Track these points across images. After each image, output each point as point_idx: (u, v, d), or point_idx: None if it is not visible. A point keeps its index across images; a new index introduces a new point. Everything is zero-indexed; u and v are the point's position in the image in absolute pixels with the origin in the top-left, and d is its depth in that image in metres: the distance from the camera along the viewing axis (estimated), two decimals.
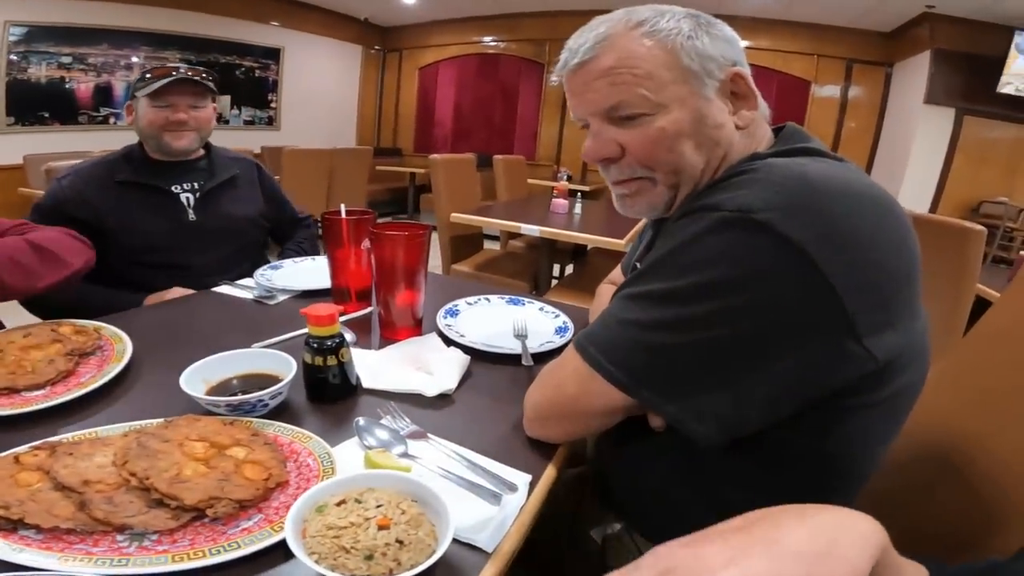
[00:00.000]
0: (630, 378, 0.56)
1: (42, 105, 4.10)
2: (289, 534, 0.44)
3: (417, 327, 0.97)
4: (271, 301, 1.10)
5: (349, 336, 0.87)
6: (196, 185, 1.31)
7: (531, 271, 2.55)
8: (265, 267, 1.26)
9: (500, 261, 2.82)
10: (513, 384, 0.84)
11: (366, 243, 1.02)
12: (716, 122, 0.63)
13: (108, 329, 0.86)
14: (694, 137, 0.62)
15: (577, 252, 2.91)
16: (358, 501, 0.47)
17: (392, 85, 6.91)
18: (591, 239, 2.16)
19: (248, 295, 1.13)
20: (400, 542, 0.44)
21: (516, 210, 2.63)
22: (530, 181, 4.17)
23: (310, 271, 1.27)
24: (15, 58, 3.86)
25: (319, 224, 1.17)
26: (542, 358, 0.87)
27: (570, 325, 1.04)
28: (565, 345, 0.95)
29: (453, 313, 1.05)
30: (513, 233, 2.99)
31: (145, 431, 0.57)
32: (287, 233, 1.58)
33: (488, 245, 3.12)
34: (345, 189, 3.99)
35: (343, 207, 1.04)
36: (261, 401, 0.66)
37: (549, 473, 0.65)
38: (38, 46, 3.96)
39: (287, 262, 1.33)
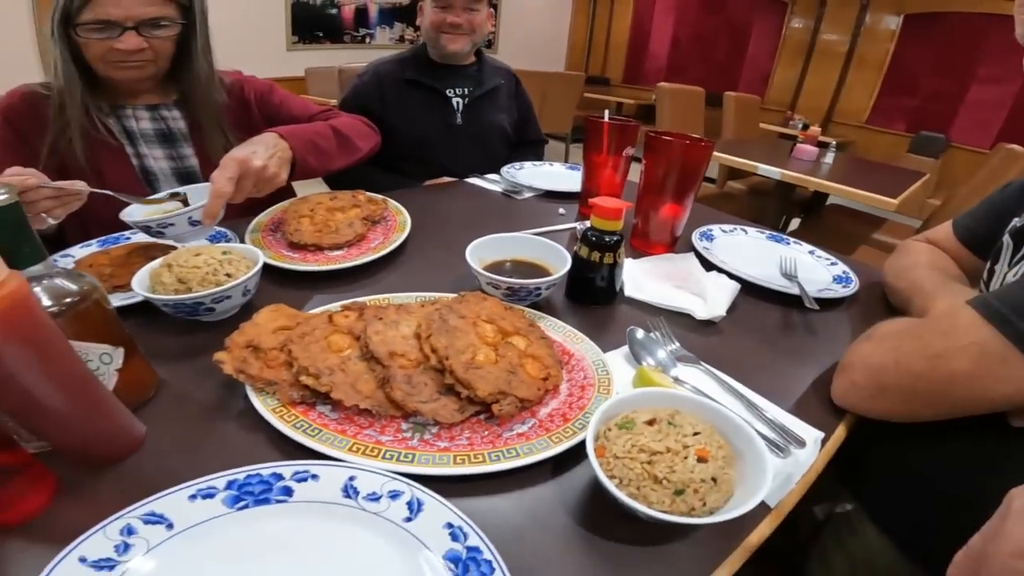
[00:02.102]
0: None
1: (317, 26, 4.78)
2: (590, 449, 0.40)
3: (672, 244, 0.89)
4: (518, 196, 1.13)
5: None
6: (466, 91, 1.37)
7: (750, 217, 2.24)
8: (509, 166, 1.28)
9: (715, 201, 2.53)
10: (786, 326, 0.72)
11: (629, 150, 0.95)
12: None
13: (392, 203, 0.94)
14: None
15: (810, 206, 2.47)
16: (671, 424, 0.41)
17: (604, 12, 6.57)
18: (856, 193, 1.76)
19: (497, 188, 1.17)
20: (714, 480, 0.38)
21: (745, 151, 2.30)
22: (761, 125, 3.64)
23: (548, 175, 1.27)
24: None
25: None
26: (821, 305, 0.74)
27: (853, 277, 0.85)
28: (850, 297, 0.79)
29: (708, 237, 0.93)
30: (734, 174, 2.65)
31: (442, 302, 0.57)
32: (523, 151, 1.58)
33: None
34: (554, 113, 3.97)
35: (607, 112, 0.99)
36: (537, 289, 0.64)
37: (839, 433, 0.55)
38: None
39: (527, 164, 1.34)
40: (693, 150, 0.80)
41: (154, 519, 0.36)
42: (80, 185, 0.71)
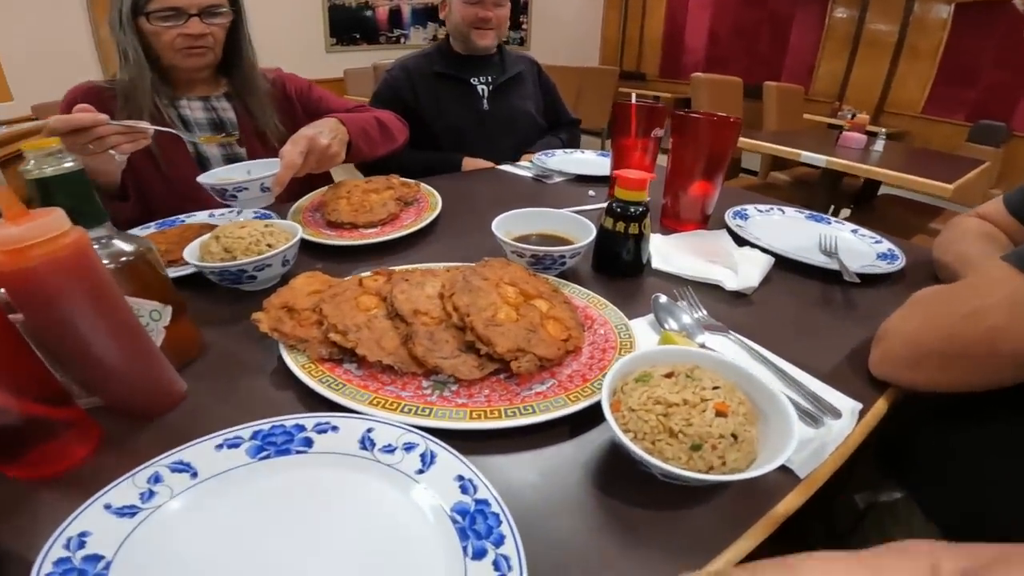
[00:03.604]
0: None
1: (353, 27, 4.91)
2: (605, 401, 0.39)
3: (703, 223, 0.87)
4: (549, 180, 1.14)
5: None
6: (490, 78, 1.42)
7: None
8: (541, 153, 1.29)
9: (757, 192, 2.45)
10: (824, 300, 0.70)
11: (657, 132, 0.95)
12: None
13: (424, 186, 0.97)
14: None
15: (861, 197, 2.36)
16: (689, 377, 0.39)
17: (637, 7, 6.47)
18: (908, 179, 1.67)
19: (527, 174, 1.18)
20: (735, 437, 0.36)
21: (790, 140, 2.22)
22: (806, 116, 3.51)
23: (579, 161, 1.27)
24: None
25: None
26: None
27: (900, 255, 0.81)
28: (895, 274, 0.75)
29: (743, 216, 0.91)
30: (778, 164, 2.56)
31: (466, 267, 0.59)
32: (558, 132, 1.60)
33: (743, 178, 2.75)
34: (589, 108, 3.94)
35: (634, 95, 0.98)
36: (562, 257, 0.65)
37: (879, 406, 0.52)
38: None
39: (558, 152, 1.35)
40: (721, 127, 0.79)
41: (181, 467, 0.38)
42: (144, 124, 0.78)
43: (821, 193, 1.98)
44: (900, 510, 0.61)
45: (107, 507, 0.34)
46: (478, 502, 0.35)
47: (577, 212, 0.72)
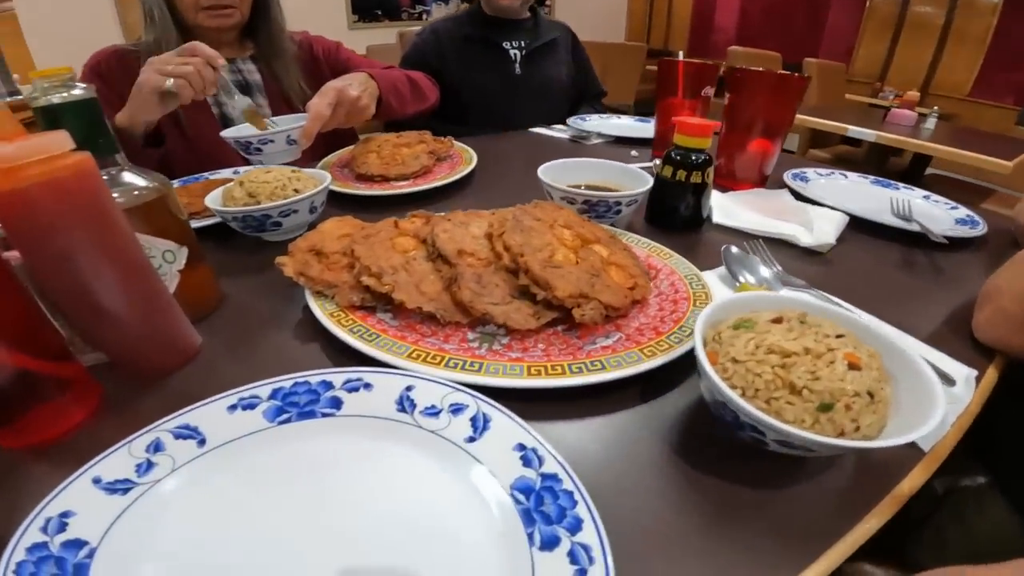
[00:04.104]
0: None
1: (375, 4, 4.85)
2: (699, 346, 0.31)
3: (761, 183, 0.80)
4: (587, 141, 1.08)
5: None
6: (523, 43, 1.35)
7: None
8: (575, 117, 1.23)
9: None
10: (905, 263, 0.63)
11: (707, 90, 0.87)
12: None
13: (457, 143, 0.92)
14: None
15: (907, 177, 2.23)
16: (804, 323, 0.32)
17: None
18: (966, 155, 1.55)
19: (563, 135, 1.12)
20: (871, 396, 0.28)
21: (832, 116, 2.10)
22: (847, 96, 3.37)
23: (616, 125, 1.20)
24: None
25: None
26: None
27: (980, 220, 0.73)
28: (978, 239, 0.69)
29: (803, 178, 0.83)
30: (816, 142, 2.44)
31: (515, 208, 0.51)
32: (585, 106, 1.55)
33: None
34: (616, 85, 3.79)
35: (681, 53, 0.92)
36: (617, 204, 0.58)
37: (990, 376, 0.45)
38: None
39: (592, 116, 1.28)
40: (787, 81, 0.71)
41: (186, 433, 0.32)
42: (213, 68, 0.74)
43: (865, 171, 1.86)
44: (983, 496, 0.56)
45: (96, 481, 0.28)
46: (545, 477, 0.28)
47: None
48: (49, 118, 0.38)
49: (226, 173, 0.84)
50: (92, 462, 0.29)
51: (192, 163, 0.89)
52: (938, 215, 0.77)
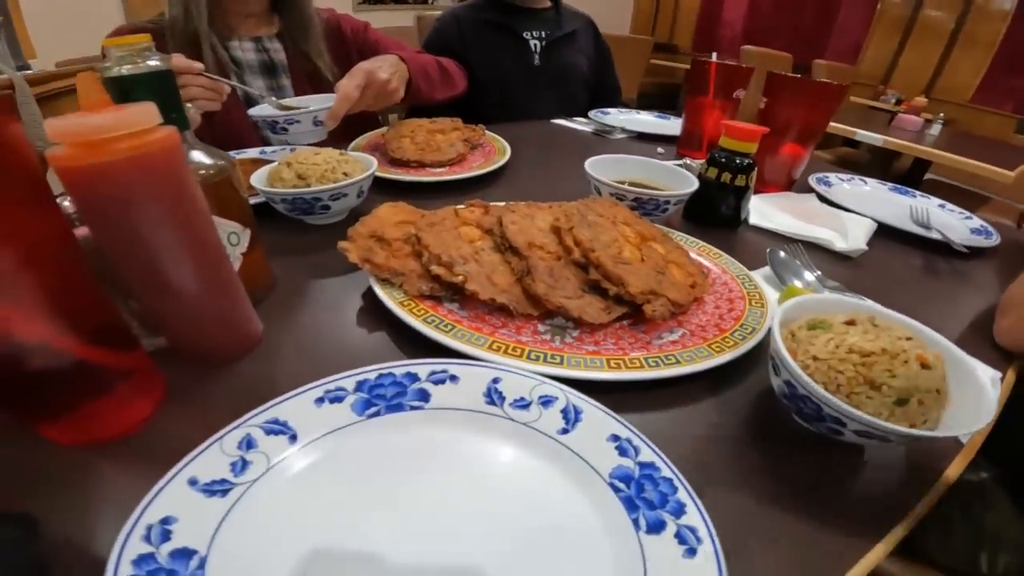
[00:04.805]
0: None
1: None
2: (779, 343, 0.33)
3: (788, 187, 0.82)
4: (611, 136, 1.08)
5: None
6: (544, 33, 1.35)
7: None
8: (596, 110, 1.23)
9: None
10: (930, 270, 0.65)
11: (739, 92, 0.89)
12: None
13: (490, 133, 0.92)
14: None
15: (906, 180, 2.28)
16: (876, 326, 0.35)
17: None
18: (969, 163, 1.59)
19: (586, 128, 1.12)
20: (939, 392, 0.32)
21: (838, 119, 2.12)
22: (851, 98, 3.40)
23: (638, 120, 1.21)
24: None
25: None
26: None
27: (993, 231, 0.76)
28: (990, 248, 0.72)
29: (826, 183, 0.86)
30: (820, 141, 2.47)
31: (577, 202, 0.51)
32: (602, 99, 1.54)
33: None
34: (620, 77, 3.79)
35: (714, 54, 0.94)
36: (666, 202, 0.60)
37: (1009, 378, 0.48)
38: None
39: (612, 110, 1.29)
40: (826, 90, 0.74)
41: (277, 428, 0.30)
42: (224, 81, 0.75)
43: (868, 174, 1.90)
44: (988, 490, 0.59)
45: (192, 483, 0.26)
46: (643, 466, 0.30)
47: None
48: (121, 91, 0.35)
49: (252, 153, 0.84)
50: (184, 461, 0.27)
51: (213, 143, 0.87)
52: (954, 224, 0.80)
